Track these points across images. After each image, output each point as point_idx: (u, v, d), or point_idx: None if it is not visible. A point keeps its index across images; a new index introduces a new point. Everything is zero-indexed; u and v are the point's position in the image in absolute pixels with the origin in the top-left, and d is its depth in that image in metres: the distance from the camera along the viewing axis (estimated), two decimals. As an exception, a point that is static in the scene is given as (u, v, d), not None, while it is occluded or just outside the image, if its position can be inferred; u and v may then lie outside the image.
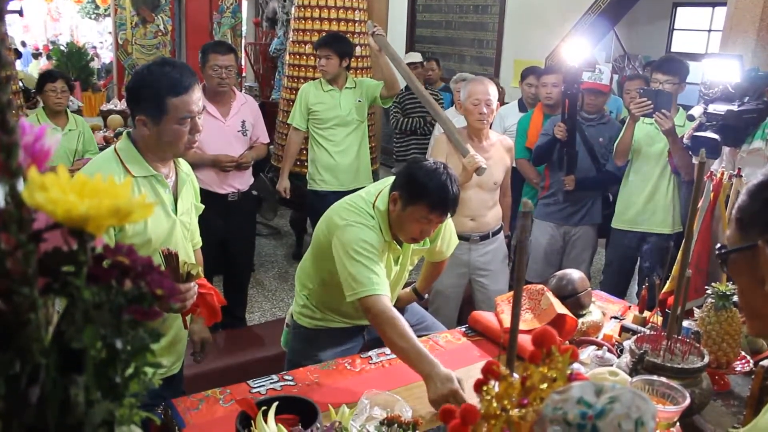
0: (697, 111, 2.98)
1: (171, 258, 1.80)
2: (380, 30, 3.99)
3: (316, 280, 2.44)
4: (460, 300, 3.50)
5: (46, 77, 4.39)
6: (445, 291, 3.42)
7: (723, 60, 3.10)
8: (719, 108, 2.83)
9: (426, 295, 2.80)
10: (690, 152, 3.15)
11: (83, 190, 0.52)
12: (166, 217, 2.01)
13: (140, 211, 0.55)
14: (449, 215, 2.23)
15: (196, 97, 1.95)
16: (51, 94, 4.27)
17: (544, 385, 0.89)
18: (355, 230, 2.17)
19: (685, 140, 3.15)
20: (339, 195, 4.34)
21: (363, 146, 4.44)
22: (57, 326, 0.58)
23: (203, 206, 2.29)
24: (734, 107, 2.79)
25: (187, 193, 2.14)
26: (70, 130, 4.32)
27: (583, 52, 3.75)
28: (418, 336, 2.14)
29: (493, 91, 3.15)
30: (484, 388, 0.89)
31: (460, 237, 3.30)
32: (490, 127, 3.31)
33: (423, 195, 2.12)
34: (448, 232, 2.55)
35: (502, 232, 3.44)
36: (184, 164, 2.17)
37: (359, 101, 4.29)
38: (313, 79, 4.59)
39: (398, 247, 2.33)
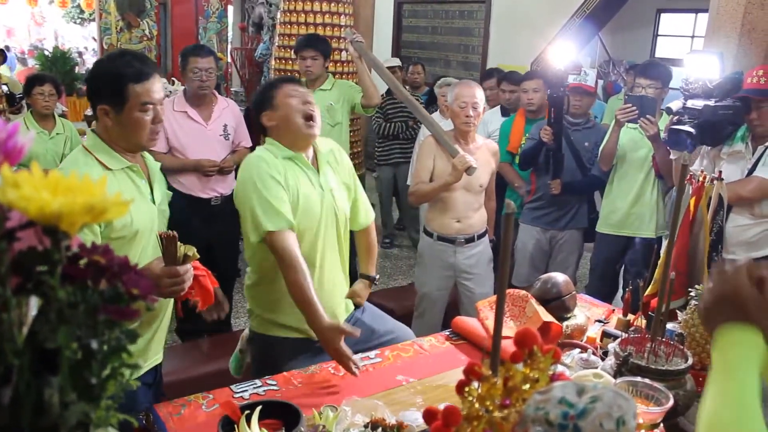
0: (675, 105, 3.01)
1: (169, 240, 1.78)
2: (359, 37, 3.99)
3: (252, 271, 2.41)
4: (445, 303, 3.50)
5: (34, 80, 4.35)
6: (431, 294, 3.42)
7: (703, 56, 3.14)
8: (697, 103, 2.88)
9: (377, 276, 2.64)
10: (667, 146, 3.17)
11: (56, 187, 0.52)
12: (148, 207, 2.00)
13: (115, 209, 0.54)
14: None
15: (158, 86, 1.94)
16: (39, 98, 4.24)
17: (527, 386, 0.89)
18: (251, 165, 2.21)
19: (662, 134, 3.18)
20: None
21: None
22: (31, 326, 0.57)
23: (171, 192, 2.27)
24: (711, 102, 2.84)
25: (160, 182, 2.14)
26: (57, 134, 4.29)
27: (568, 55, 3.78)
28: (387, 346, 2.29)
29: (480, 95, 3.17)
30: (466, 389, 0.89)
31: (446, 239, 3.33)
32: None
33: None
34: (360, 193, 2.56)
35: (487, 235, 3.45)
36: (146, 154, 2.15)
37: (330, 104, 4.15)
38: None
39: (311, 165, 2.33)
